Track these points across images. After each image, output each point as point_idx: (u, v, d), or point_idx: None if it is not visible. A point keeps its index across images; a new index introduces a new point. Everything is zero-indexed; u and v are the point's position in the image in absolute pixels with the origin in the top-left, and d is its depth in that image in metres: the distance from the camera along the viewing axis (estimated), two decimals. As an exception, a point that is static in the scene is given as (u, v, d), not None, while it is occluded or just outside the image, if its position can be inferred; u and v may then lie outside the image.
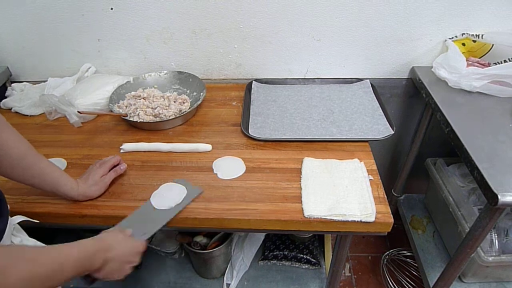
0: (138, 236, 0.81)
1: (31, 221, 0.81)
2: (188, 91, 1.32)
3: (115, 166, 0.98)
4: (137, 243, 0.79)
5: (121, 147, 1.09)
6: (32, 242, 0.76)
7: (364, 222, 0.84)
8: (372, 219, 0.84)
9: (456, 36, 1.26)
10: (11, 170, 0.77)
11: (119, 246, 0.74)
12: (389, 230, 0.86)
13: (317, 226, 0.87)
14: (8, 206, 0.73)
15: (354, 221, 0.84)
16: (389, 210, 0.86)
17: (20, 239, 0.72)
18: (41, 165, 0.81)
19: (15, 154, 0.76)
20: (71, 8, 1.29)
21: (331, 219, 0.85)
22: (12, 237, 0.71)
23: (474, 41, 1.24)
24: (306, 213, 0.86)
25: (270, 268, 1.44)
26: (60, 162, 1.05)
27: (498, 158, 0.92)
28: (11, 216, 0.76)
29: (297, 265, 1.43)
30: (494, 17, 1.23)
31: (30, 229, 0.81)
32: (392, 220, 0.84)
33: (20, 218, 0.78)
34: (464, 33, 1.25)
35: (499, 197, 0.81)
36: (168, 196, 0.92)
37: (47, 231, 0.82)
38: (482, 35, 1.21)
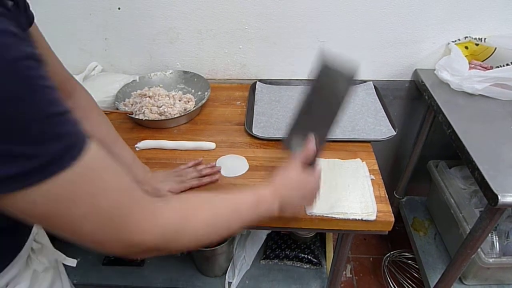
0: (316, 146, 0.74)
1: None
2: (193, 91, 1.34)
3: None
4: (312, 177, 0.75)
5: (136, 145, 1.10)
6: (52, 250, 0.75)
7: (365, 220, 0.85)
8: (373, 217, 0.85)
9: (459, 39, 1.27)
10: None
11: (295, 183, 0.72)
12: (390, 229, 0.87)
13: (318, 224, 0.88)
14: None
15: (355, 219, 0.85)
16: (390, 209, 0.87)
17: (40, 246, 0.71)
18: (116, 150, 0.85)
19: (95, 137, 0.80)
20: (79, 7, 1.31)
21: (332, 217, 0.86)
22: (33, 243, 0.70)
23: (477, 45, 1.25)
24: (308, 211, 0.87)
25: (271, 267, 1.45)
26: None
27: (499, 160, 0.93)
28: None
29: (298, 265, 1.44)
30: (497, 21, 1.24)
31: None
32: (393, 219, 0.85)
33: None
34: (467, 37, 1.26)
35: (499, 197, 0.82)
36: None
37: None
38: (485, 39, 1.22)
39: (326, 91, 0.79)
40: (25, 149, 0.37)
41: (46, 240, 0.76)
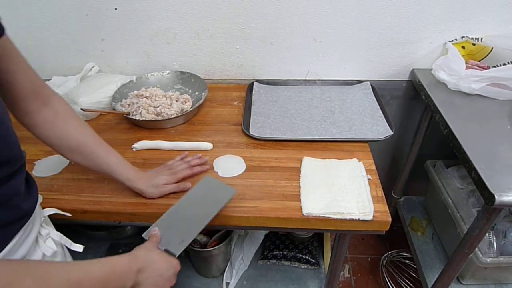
0: (175, 245, 0.73)
1: (62, 214, 0.83)
2: (190, 91, 1.33)
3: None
4: (174, 262, 0.70)
5: (133, 145, 1.10)
6: (59, 236, 0.76)
7: (362, 220, 0.85)
8: (370, 217, 0.85)
9: (456, 39, 1.28)
10: (71, 155, 0.82)
11: (154, 266, 0.65)
12: (387, 229, 0.87)
13: (315, 224, 0.88)
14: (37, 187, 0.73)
15: (352, 219, 0.85)
16: (387, 209, 0.87)
17: (47, 231, 0.72)
18: (99, 153, 0.84)
19: (74, 142, 0.80)
20: (75, 7, 1.30)
21: (329, 217, 0.86)
22: (41, 228, 0.71)
23: (474, 44, 1.26)
24: (305, 211, 0.87)
25: (269, 268, 1.44)
26: (63, 159, 1.06)
27: (495, 159, 0.93)
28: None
29: (296, 265, 1.44)
30: (494, 21, 1.24)
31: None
32: (390, 218, 0.85)
33: (52, 210, 0.80)
34: (463, 36, 1.26)
35: (496, 197, 0.82)
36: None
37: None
38: (482, 38, 1.22)
39: (203, 198, 0.86)
40: None
41: (51, 227, 0.77)
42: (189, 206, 0.83)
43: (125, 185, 0.89)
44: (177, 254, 0.72)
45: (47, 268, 0.51)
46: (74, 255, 0.81)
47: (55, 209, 0.81)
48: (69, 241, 0.77)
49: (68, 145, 0.80)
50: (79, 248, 0.78)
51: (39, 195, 0.73)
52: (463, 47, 1.27)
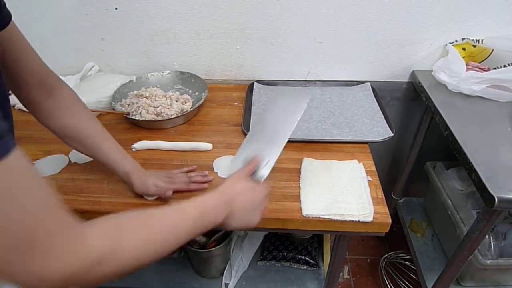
0: (261, 167, 0.75)
1: None
2: (190, 91, 1.33)
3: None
4: (261, 187, 0.74)
5: (133, 146, 1.09)
6: None
7: (362, 222, 0.85)
8: (370, 219, 0.85)
9: (456, 41, 1.27)
10: (73, 145, 0.85)
11: (242, 196, 0.69)
12: (387, 231, 0.87)
13: (315, 226, 0.87)
14: None
15: (352, 220, 0.85)
16: (387, 211, 0.87)
17: None
18: (103, 148, 0.86)
19: (76, 133, 0.82)
20: (75, 7, 1.30)
21: (329, 218, 0.86)
22: None
23: (474, 46, 1.25)
24: (305, 212, 0.87)
25: (268, 269, 1.44)
26: (62, 159, 1.06)
27: (496, 161, 0.92)
28: None
29: (295, 266, 1.44)
30: (494, 22, 1.24)
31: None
32: (390, 220, 0.85)
33: None
34: (464, 38, 1.26)
35: (496, 199, 0.82)
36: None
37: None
38: (482, 40, 1.22)
39: (279, 111, 0.84)
40: None
41: None
42: (265, 126, 0.82)
43: (122, 179, 0.90)
44: (264, 178, 0.76)
45: (148, 217, 0.55)
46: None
47: None
48: None
49: (69, 135, 0.82)
50: None
51: None
52: (463, 49, 1.27)
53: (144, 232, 0.51)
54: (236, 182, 0.71)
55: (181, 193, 0.92)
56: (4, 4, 0.64)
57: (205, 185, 0.96)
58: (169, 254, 0.56)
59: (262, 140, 0.79)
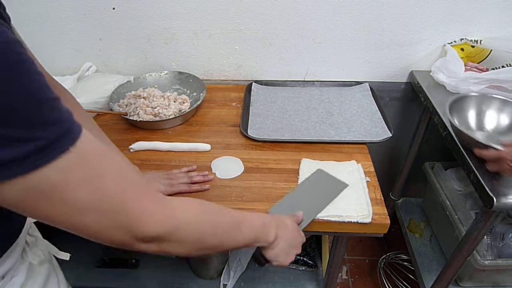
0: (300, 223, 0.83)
1: None
2: (188, 92, 1.33)
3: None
4: (302, 234, 0.78)
5: (130, 146, 1.09)
6: (45, 244, 0.75)
7: (360, 223, 0.84)
8: (368, 220, 0.84)
9: (455, 41, 1.28)
10: None
11: (289, 228, 0.74)
12: (386, 232, 0.87)
13: (313, 227, 0.87)
14: None
15: (351, 222, 0.85)
16: (386, 212, 0.87)
17: (34, 239, 0.71)
18: None
19: None
20: (73, 7, 1.29)
21: (327, 219, 0.85)
22: (27, 236, 0.69)
23: (473, 46, 1.25)
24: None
25: (267, 269, 1.43)
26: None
27: (494, 162, 0.92)
28: None
29: (294, 267, 1.43)
30: (493, 23, 1.24)
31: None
32: (388, 221, 0.85)
33: None
34: (463, 38, 1.26)
35: (494, 200, 0.82)
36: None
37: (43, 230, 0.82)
38: (481, 41, 1.22)
39: (320, 188, 0.93)
40: (21, 132, 0.36)
41: (38, 234, 0.76)
42: (303, 195, 0.90)
43: None
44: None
45: (227, 210, 0.62)
46: (62, 262, 0.79)
47: None
48: (55, 249, 0.76)
49: None
50: (65, 256, 0.77)
51: None
52: (462, 49, 1.27)
53: (221, 217, 0.58)
54: (286, 218, 0.77)
55: (181, 194, 0.92)
56: (4, 8, 0.63)
57: (207, 185, 0.95)
58: (215, 252, 0.62)
59: (300, 207, 0.86)
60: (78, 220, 0.43)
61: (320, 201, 0.88)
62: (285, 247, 0.72)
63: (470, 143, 0.93)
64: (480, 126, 1.06)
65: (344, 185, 0.92)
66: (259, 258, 0.73)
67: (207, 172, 0.99)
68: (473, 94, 1.09)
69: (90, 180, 0.42)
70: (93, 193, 0.42)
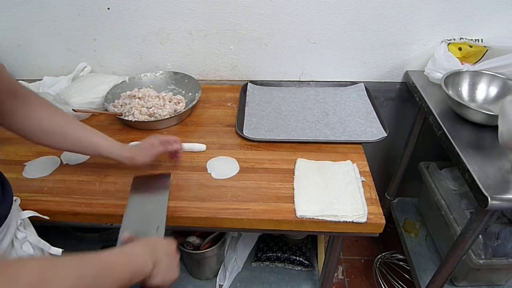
0: (154, 233, 0.77)
1: (40, 217, 0.81)
2: (183, 92, 1.32)
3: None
4: (168, 241, 0.70)
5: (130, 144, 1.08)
6: (37, 240, 0.75)
7: (356, 222, 0.85)
8: (363, 219, 0.84)
9: (454, 39, 1.27)
10: (51, 141, 0.82)
11: (159, 246, 0.65)
12: (381, 231, 0.87)
13: (309, 227, 0.87)
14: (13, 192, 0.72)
15: (346, 221, 0.85)
16: (381, 211, 0.87)
17: (24, 235, 0.70)
18: (78, 133, 0.84)
19: (48, 126, 0.80)
20: (67, 7, 1.29)
21: (323, 219, 0.85)
22: (17, 232, 0.69)
23: (471, 46, 1.25)
24: (299, 213, 0.86)
25: (263, 270, 1.44)
26: (54, 160, 1.05)
27: (489, 161, 0.93)
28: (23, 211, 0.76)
29: (290, 267, 1.43)
30: (490, 23, 1.24)
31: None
32: (383, 221, 0.85)
33: (29, 213, 0.78)
34: (462, 38, 1.26)
35: (489, 199, 0.82)
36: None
37: (38, 230, 0.81)
38: (482, 40, 1.22)
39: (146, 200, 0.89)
40: None
41: (31, 230, 0.76)
42: (140, 207, 0.85)
43: (113, 160, 0.90)
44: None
45: (75, 261, 0.49)
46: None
47: (32, 211, 0.79)
48: (48, 244, 0.76)
49: (43, 129, 0.79)
50: (57, 251, 0.76)
51: (17, 197, 0.71)
52: (459, 49, 1.27)
53: (74, 272, 0.47)
54: (149, 238, 0.69)
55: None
56: None
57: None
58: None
59: (145, 218, 0.82)
60: None
61: (158, 203, 0.86)
62: (166, 266, 0.63)
63: (463, 111, 1.04)
64: (472, 98, 1.18)
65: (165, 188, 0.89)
66: None
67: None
68: (465, 70, 1.18)
69: None
70: None
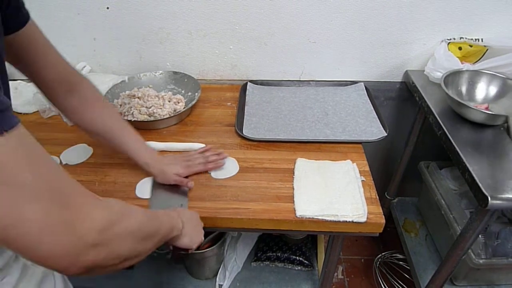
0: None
1: None
2: (183, 91, 1.32)
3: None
4: (192, 211, 0.83)
5: None
6: None
7: (355, 222, 0.84)
8: (363, 219, 0.84)
9: (454, 38, 1.27)
10: (97, 138, 0.89)
11: (186, 212, 0.78)
12: (381, 231, 0.87)
13: (309, 226, 0.87)
14: None
15: (346, 221, 0.85)
16: (381, 211, 0.87)
17: None
18: (122, 140, 0.89)
19: (99, 127, 0.86)
20: (67, 6, 1.29)
21: (323, 219, 0.85)
22: None
23: (471, 46, 1.25)
24: (298, 213, 0.86)
25: (262, 269, 1.44)
26: (53, 160, 1.04)
27: (489, 161, 0.93)
28: None
29: (289, 267, 1.43)
30: (490, 23, 1.24)
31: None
32: (383, 220, 0.85)
33: None
34: (462, 37, 1.26)
35: (489, 198, 0.82)
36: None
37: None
38: (482, 39, 1.22)
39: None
40: None
41: None
42: (164, 193, 0.94)
43: (143, 169, 0.93)
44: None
45: (142, 210, 0.59)
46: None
47: None
48: None
49: (93, 130, 0.86)
50: None
51: None
52: (459, 48, 1.27)
53: (142, 215, 0.57)
54: (175, 208, 0.82)
55: (199, 174, 0.99)
56: (23, 4, 0.64)
57: (222, 161, 1.00)
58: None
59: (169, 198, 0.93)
60: (20, 212, 0.38)
61: (179, 194, 0.94)
62: (192, 228, 0.76)
63: (463, 111, 1.05)
64: (472, 97, 1.18)
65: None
66: (176, 252, 0.77)
67: (222, 150, 1.03)
68: (465, 69, 1.18)
69: (32, 163, 0.40)
70: (37, 176, 0.40)
